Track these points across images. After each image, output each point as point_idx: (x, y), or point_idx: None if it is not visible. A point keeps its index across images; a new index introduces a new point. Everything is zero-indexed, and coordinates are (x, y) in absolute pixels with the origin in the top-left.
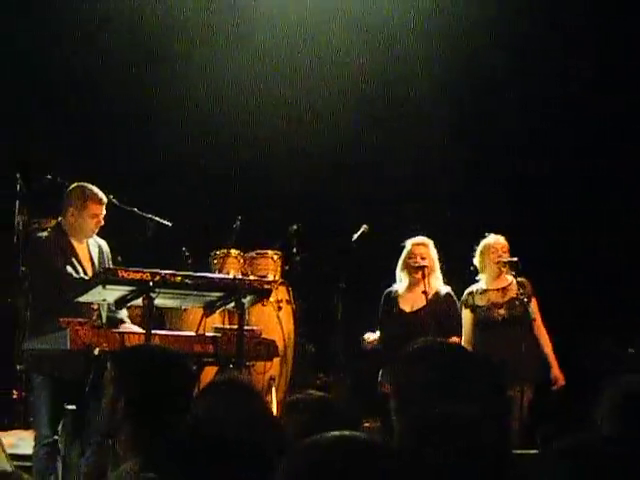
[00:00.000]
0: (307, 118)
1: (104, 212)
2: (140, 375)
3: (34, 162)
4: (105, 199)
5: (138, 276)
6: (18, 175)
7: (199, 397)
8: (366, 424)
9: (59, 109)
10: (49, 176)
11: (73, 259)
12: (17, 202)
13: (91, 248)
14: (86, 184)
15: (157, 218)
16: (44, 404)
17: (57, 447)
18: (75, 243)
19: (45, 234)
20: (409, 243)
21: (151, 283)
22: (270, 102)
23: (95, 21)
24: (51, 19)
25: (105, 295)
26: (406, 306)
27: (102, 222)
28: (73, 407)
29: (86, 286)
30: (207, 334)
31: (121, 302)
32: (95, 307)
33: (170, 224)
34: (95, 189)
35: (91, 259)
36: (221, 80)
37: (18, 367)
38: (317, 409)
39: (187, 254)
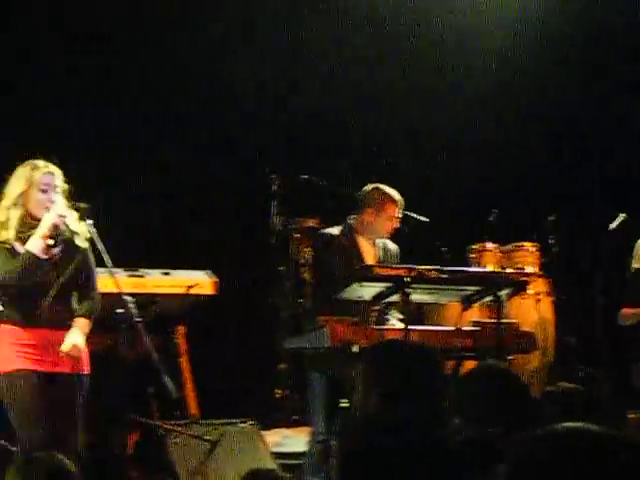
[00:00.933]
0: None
1: (400, 214)
2: (390, 370)
3: (286, 162)
4: (401, 201)
5: (394, 272)
6: (274, 176)
7: (460, 383)
8: (631, 415)
9: (295, 109)
10: (305, 176)
11: (356, 259)
12: (273, 202)
13: (378, 250)
14: (383, 186)
15: (414, 215)
16: (319, 401)
17: (330, 444)
18: (363, 243)
19: (333, 231)
20: None
21: (407, 279)
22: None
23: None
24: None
25: (362, 292)
26: None
27: (397, 225)
28: (347, 404)
29: (345, 284)
30: (465, 328)
31: (378, 298)
32: (374, 307)
33: (427, 220)
34: (393, 191)
35: (378, 260)
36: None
37: (280, 366)
38: (571, 400)
39: (444, 249)
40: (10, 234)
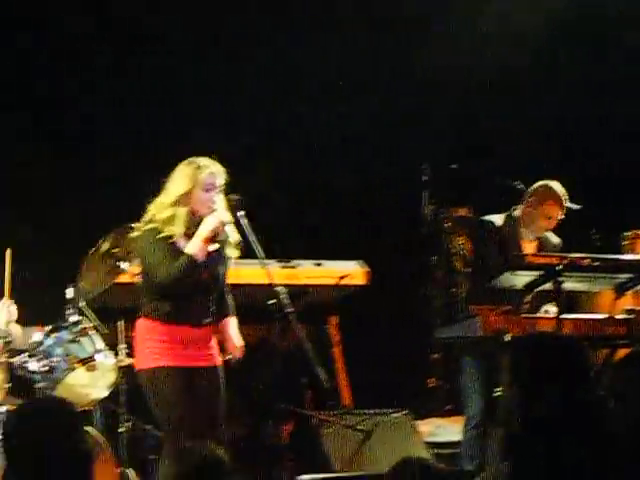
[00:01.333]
0: None
1: (561, 215)
2: (528, 362)
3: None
4: (565, 202)
5: (546, 260)
6: (425, 166)
7: (616, 367)
8: None
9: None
10: (454, 165)
11: (515, 250)
12: (425, 192)
13: (539, 243)
14: (553, 183)
15: (568, 203)
16: (471, 388)
17: (485, 430)
18: (524, 235)
19: (495, 220)
20: None
21: (560, 267)
22: None
23: None
24: None
25: (514, 280)
26: None
27: (554, 225)
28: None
29: (498, 272)
30: (619, 316)
31: (530, 287)
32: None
33: (579, 207)
34: (560, 191)
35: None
36: None
37: (433, 356)
38: None
39: (597, 236)
40: (178, 230)
